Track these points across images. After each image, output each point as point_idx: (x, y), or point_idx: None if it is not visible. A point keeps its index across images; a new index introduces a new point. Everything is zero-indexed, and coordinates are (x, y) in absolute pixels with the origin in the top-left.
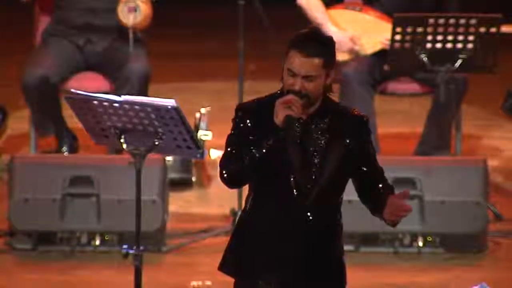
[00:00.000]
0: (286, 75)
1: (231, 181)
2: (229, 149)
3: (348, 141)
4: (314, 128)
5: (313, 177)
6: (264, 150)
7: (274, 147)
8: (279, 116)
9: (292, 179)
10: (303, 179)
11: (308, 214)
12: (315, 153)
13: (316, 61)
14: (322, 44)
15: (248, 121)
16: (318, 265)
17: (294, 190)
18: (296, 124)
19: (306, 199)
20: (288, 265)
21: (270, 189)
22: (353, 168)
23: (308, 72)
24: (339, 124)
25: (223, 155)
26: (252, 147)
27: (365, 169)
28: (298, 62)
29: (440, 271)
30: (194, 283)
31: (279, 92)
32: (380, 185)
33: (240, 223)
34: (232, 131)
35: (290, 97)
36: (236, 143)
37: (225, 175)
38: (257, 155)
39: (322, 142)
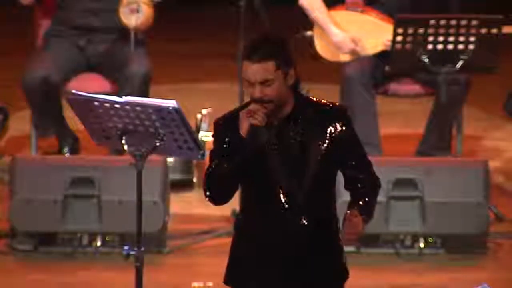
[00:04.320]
0: (245, 86)
1: (216, 198)
2: (209, 167)
3: (329, 134)
4: (290, 130)
5: (298, 178)
6: (235, 164)
7: (244, 159)
8: (243, 127)
9: (279, 185)
10: (288, 183)
11: (302, 218)
12: (295, 154)
13: (268, 64)
14: (270, 47)
15: (225, 135)
16: (317, 269)
17: (282, 196)
18: (262, 132)
19: (296, 202)
20: (279, 270)
21: (259, 199)
22: (338, 159)
23: (262, 77)
24: (317, 119)
25: (205, 174)
26: (225, 162)
27: (348, 160)
28: (250, 70)
29: (441, 272)
30: (195, 284)
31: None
32: (359, 185)
33: (235, 234)
34: (213, 148)
35: (251, 107)
36: (215, 160)
37: (208, 193)
38: (229, 169)
39: (301, 141)
